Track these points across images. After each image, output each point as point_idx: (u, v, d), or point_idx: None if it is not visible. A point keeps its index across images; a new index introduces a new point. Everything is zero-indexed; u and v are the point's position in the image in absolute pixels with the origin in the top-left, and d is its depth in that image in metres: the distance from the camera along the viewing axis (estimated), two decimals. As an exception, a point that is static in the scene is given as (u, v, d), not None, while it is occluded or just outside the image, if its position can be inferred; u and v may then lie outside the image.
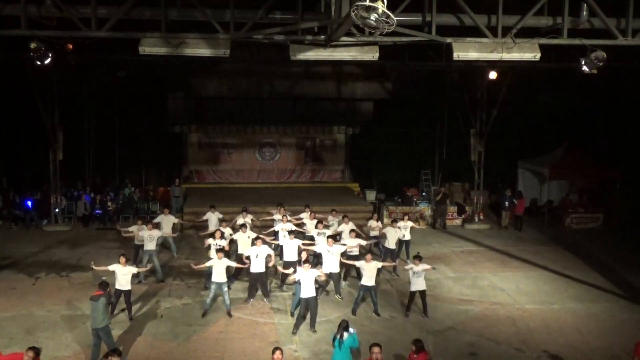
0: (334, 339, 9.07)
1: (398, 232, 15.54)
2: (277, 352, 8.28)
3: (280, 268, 13.32)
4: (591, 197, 22.87)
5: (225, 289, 12.47)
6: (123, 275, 11.96)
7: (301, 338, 11.47)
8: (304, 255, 12.74)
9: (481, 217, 21.87)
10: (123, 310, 12.33)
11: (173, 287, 14.22)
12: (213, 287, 12.38)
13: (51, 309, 12.64)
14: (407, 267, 12.69)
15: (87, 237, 18.84)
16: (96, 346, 10.21)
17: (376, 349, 8.27)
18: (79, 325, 11.84)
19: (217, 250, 12.81)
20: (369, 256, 12.61)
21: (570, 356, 10.99)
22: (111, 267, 12.05)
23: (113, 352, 8.42)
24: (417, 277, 12.37)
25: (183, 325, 11.98)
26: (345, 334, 8.95)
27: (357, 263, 12.85)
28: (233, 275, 14.56)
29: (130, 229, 15.32)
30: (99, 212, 20.71)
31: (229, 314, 12.40)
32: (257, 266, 13.01)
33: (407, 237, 16.07)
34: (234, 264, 13.00)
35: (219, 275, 12.33)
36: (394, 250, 15.50)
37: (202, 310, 12.57)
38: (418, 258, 12.54)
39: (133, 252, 15.39)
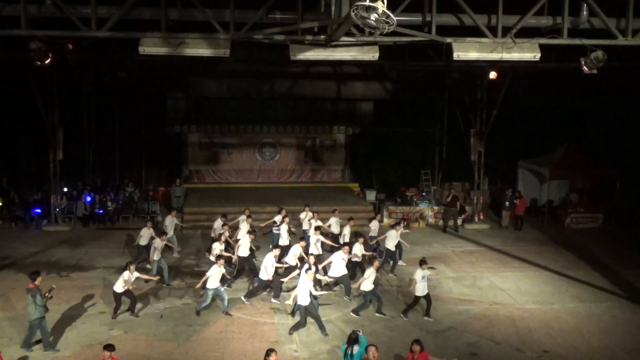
0: (345, 353, 8.95)
1: (398, 234, 15.52)
2: (273, 355, 8.20)
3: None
4: (591, 197, 22.87)
5: (222, 289, 12.50)
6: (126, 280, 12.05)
7: (301, 338, 11.47)
8: (311, 260, 12.82)
9: (481, 217, 21.87)
10: (128, 310, 12.40)
11: (173, 287, 14.21)
12: (210, 292, 12.33)
13: (51, 309, 12.51)
14: (417, 274, 12.40)
15: (87, 237, 18.83)
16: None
17: (372, 348, 8.28)
18: (78, 325, 11.84)
19: (218, 257, 12.83)
20: (376, 262, 12.54)
21: (570, 356, 10.99)
22: (128, 278, 12.02)
23: (107, 347, 8.61)
24: (424, 282, 12.35)
25: (183, 325, 11.98)
26: (356, 347, 8.83)
27: (366, 273, 12.54)
28: (236, 275, 14.65)
29: (142, 232, 15.31)
30: (101, 211, 20.71)
31: (228, 314, 12.43)
32: (270, 273, 13.05)
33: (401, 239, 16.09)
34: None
35: (216, 280, 12.35)
36: (394, 253, 15.49)
37: (196, 307, 12.62)
38: (425, 263, 12.51)
39: (135, 252, 15.43)
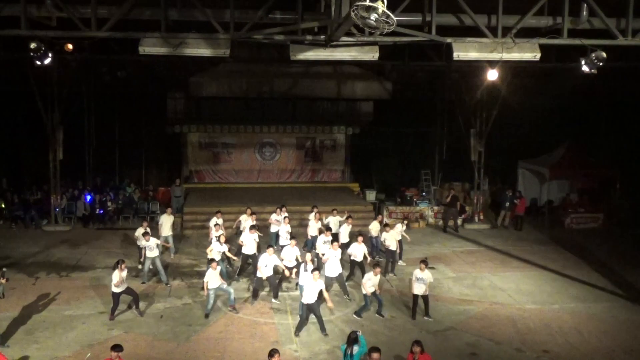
0: (345, 353, 8.90)
1: (396, 234, 15.57)
2: (276, 356, 8.14)
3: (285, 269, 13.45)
4: (591, 197, 22.86)
5: (225, 286, 12.52)
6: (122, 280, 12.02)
7: (301, 338, 11.46)
8: (308, 257, 12.82)
9: (481, 217, 21.86)
10: (129, 308, 12.43)
11: (173, 287, 14.20)
12: (212, 292, 12.32)
13: (51, 309, 12.64)
14: (414, 274, 12.44)
15: (87, 237, 18.83)
16: None
17: (375, 355, 7.97)
18: (79, 325, 11.84)
19: (210, 260, 12.84)
20: (378, 269, 12.41)
21: (570, 356, 10.99)
22: (117, 278, 11.92)
23: (114, 347, 8.60)
24: (421, 283, 12.31)
25: (183, 325, 11.98)
26: (356, 347, 8.78)
27: (365, 277, 12.55)
28: (238, 273, 14.68)
29: (136, 233, 15.27)
30: (101, 211, 20.70)
31: (234, 308, 12.49)
32: (265, 272, 13.05)
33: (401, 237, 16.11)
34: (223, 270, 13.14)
35: (215, 281, 12.34)
36: (395, 252, 15.51)
37: (204, 311, 12.54)
38: (424, 263, 12.44)
39: (138, 253, 15.40)
